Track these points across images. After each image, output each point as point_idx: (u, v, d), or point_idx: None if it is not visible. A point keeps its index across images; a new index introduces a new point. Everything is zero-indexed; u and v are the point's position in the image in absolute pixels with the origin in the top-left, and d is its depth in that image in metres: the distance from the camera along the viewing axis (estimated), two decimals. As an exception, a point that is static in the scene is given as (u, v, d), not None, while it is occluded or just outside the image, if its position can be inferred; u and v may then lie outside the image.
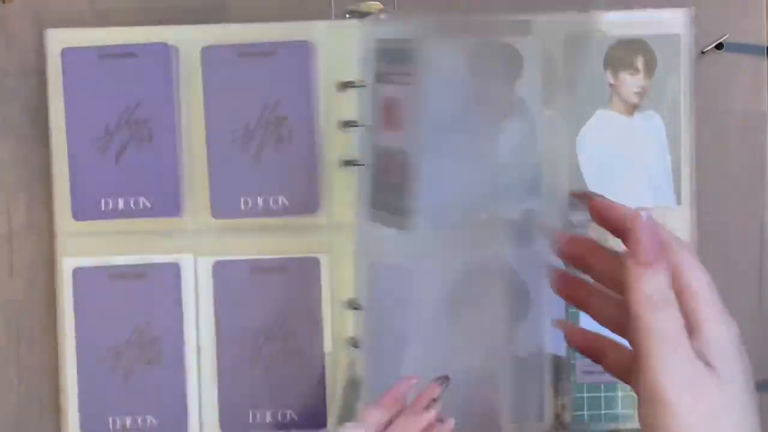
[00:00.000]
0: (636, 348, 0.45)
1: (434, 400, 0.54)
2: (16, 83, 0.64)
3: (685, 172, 0.59)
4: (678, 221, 0.59)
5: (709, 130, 0.62)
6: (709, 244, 0.60)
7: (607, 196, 0.49)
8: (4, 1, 0.65)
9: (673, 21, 0.59)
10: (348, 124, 0.61)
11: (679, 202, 0.58)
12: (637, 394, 0.45)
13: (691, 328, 0.46)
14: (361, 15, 0.62)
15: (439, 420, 0.55)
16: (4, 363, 0.64)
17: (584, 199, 0.50)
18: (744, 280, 0.56)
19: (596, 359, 0.51)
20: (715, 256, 0.58)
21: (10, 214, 0.64)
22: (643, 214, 0.45)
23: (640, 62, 0.59)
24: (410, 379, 0.56)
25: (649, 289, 0.45)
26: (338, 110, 0.62)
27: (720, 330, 0.46)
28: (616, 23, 0.60)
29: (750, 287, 0.59)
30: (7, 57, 0.64)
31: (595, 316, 0.51)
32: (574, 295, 0.51)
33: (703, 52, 0.61)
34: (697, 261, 0.47)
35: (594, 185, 0.59)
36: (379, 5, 0.62)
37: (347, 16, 0.62)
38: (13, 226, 0.64)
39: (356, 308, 0.61)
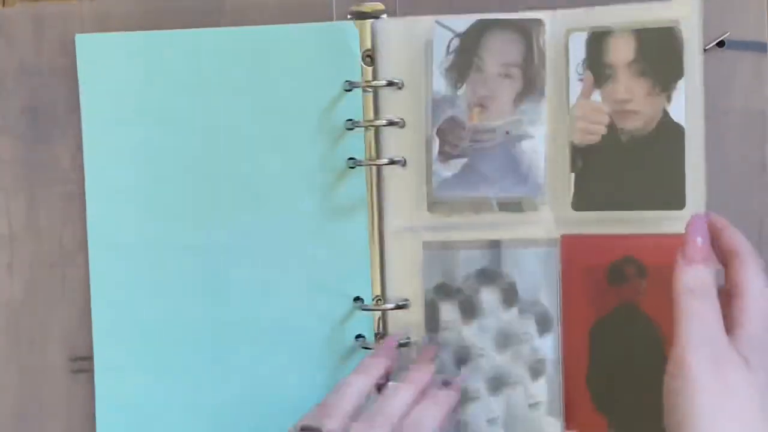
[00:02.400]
0: (675, 332, 0.50)
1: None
2: (16, 83, 0.64)
3: (693, 174, 0.58)
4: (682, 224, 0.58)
5: (710, 128, 0.61)
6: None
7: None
8: (4, 3, 0.65)
9: (680, 14, 0.58)
10: (355, 125, 0.62)
11: (684, 205, 0.57)
12: (667, 372, 0.50)
13: (734, 324, 0.51)
14: (363, 15, 0.62)
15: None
16: (4, 363, 0.64)
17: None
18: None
19: None
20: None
21: (10, 214, 0.64)
22: (699, 217, 0.53)
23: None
24: (396, 336, 0.61)
25: (689, 280, 0.51)
26: (344, 111, 0.62)
27: (760, 330, 0.51)
28: (617, 17, 0.59)
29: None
30: (8, 57, 0.64)
31: None
32: None
33: (705, 50, 0.61)
34: (758, 266, 0.52)
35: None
36: (380, 5, 0.62)
37: (349, 16, 0.62)
38: (13, 226, 0.64)
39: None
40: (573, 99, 0.59)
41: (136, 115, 0.63)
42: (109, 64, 0.63)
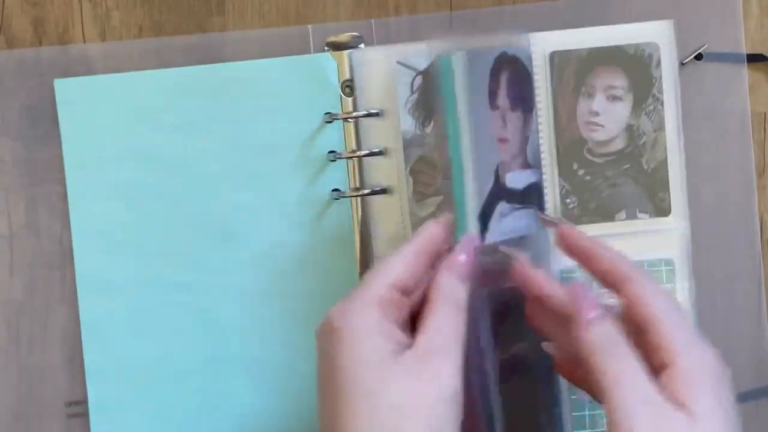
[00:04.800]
0: (604, 402, 0.44)
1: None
2: (16, 83, 0.65)
3: (675, 182, 0.61)
4: (668, 234, 0.61)
5: (710, 130, 0.63)
6: (699, 254, 0.63)
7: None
8: (4, 3, 0.65)
9: (654, 34, 0.60)
10: (337, 156, 0.62)
11: (668, 213, 0.61)
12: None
13: (661, 362, 0.44)
14: (341, 46, 0.63)
15: None
16: (4, 363, 0.65)
17: (552, 225, 0.54)
18: (743, 285, 0.60)
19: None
20: (708, 267, 0.61)
21: (10, 214, 0.65)
22: (577, 284, 0.46)
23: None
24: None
25: (595, 337, 0.45)
26: (326, 142, 0.62)
27: (691, 360, 0.44)
28: (592, 39, 0.61)
29: (750, 292, 0.62)
30: (7, 57, 0.65)
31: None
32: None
33: (682, 64, 0.62)
34: (658, 287, 0.46)
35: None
36: (356, 35, 0.63)
37: (326, 48, 0.63)
38: (13, 226, 0.65)
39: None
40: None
41: (119, 156, 0.63)
42: (90, 107, 0.63)
